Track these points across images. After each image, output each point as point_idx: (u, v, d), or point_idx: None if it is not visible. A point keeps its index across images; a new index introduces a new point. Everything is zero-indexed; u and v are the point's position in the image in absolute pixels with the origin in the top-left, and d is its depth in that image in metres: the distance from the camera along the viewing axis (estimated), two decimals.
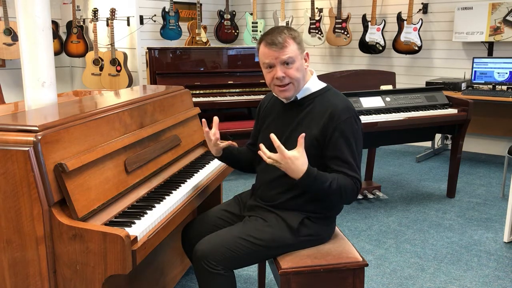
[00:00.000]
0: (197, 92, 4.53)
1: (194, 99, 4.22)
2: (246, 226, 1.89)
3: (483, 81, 4.73)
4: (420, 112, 3.64)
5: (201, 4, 6.02)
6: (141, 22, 5.86)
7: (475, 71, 4.75)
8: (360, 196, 3.79)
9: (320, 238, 1.93)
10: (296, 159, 1.69)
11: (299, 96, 1.89)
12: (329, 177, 1.75)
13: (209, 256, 1.77)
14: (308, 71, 1.93)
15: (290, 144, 1.84)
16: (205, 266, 1.77)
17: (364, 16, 5.52)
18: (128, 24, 5.89)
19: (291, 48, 1.80)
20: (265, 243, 1.83)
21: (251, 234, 1.83)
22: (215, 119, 1.99)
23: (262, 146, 1.76)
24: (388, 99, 3.68)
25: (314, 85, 1.91)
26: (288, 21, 6.06)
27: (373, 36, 5.52)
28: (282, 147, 1.70)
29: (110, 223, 1.65)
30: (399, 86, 4.47)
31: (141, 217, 1.71)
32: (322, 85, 1.93)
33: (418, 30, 5.26)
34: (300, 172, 1.70)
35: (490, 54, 5.02)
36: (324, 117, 1.81)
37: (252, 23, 6.28)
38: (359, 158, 1.84)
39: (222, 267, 1.77)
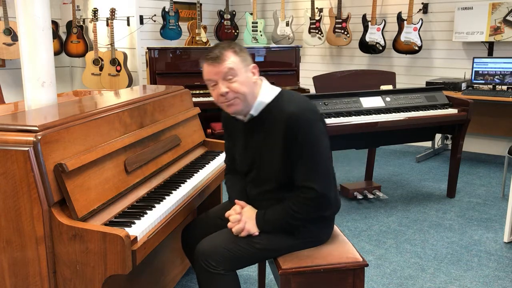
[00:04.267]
0: (197, 92, 4.53)
1: (194, 99, 4.22)
2: None
3: (483, 81, 4.73)
4: (420, 112, 3.64)
5: (201, 4, 6.02)
6: (141, 22, 5.86)
7: (475, 71, 4.75)
8: (360, 196, 3.79)
9: (320, 239, 1.92)
10: (245, 212, 1.84)
11: (254, 112, 1.80)
12: (280, 209, 1.78)
13: (209, 256, 1.77)
14: (258, 83, 1.82)
15: (262, 173, 1.85)
16: (205, 267, 1.77)
17: (364, 16, 5.52)
18: (128, 24, 5.89)
19: (231, 60, 1.71)
20: (264, 245, 1.83)
21: (256, 235, 1.83)
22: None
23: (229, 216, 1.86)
24: (388, 99, 3.68)
25: (266, 95, 1.80)
26: (288, 21, 6.06)
27: (373, 36, 5.52)
28: (230, 215, 1.84)
29: (110, 223, 1.65)
30: (399, 86, 4.47)
31: (141, 217, 1.71)
32: (275, 92, 1.82)
33: (418, 30, 5.26)
34: (254, 216, 1.82)
35: (490, 54, 5.02)
36: (282, 129, 1.73)
37: (252, 23, 6.28)
38: (324, 160, 1.75)
39: (222, 268, 1.77)
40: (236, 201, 1.91)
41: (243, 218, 1.83)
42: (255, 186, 1.90)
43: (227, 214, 1.87)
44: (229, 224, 1.84)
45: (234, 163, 2.02)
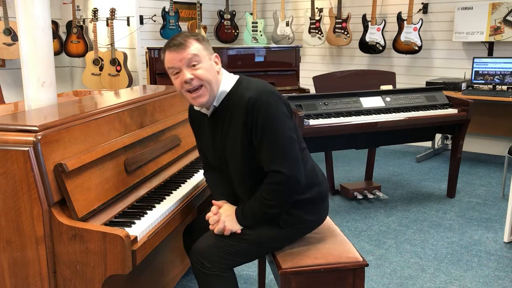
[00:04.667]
0: None
1: None
2: None
3: (483, 81, 4.73)
4: (420, 112, 3.64)
5: (201, 4, 6.02)
6: (141, 22, 5.86)
7: (475, 71, 4.75)
8: (360, 196, 3.79)
9: (308, 225, 1.89)
10: (223, 211, 1.81)
11: (216, 103, 1.77)
12: (255, 201, 1.76)
13: (203, 257, 1.77)
14: (220, 72, 1.80)
15: (230, 165, 1.82)
16: (200, 268, 1.77)
17: (364, 16, 5.52)
18: (128, 24, 5.89)
19: (194, 47, 1.69)
20: (253, 239, 1.81)
21: (239, 232, 1.82)
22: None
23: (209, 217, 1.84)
24: (388, 99, 3.68)
25: (227, 84, 1.78)
26: (288, 21, 6.06)
27: (373, 36, 5.52)
28: (210, 216, 1.82)
29: (110, 223, 1.65)
30: (399, 86, 4.47)
31: (141, 217, 1.71)
32: (234, 79, 1.80)
33: (418, 30, 5.26)
34: (233, 214, 1.80)
35: (490, 54, 5.02)
36: (241, 116, 1.70)
37: (252, 23, 6.28)
38: (288, 142, 1.70)
39: (217, 268, 1.76)
40: (213, 201, 1.89)
41: (221, 218, 1.80)
42: (233, 181, 1.88)
43: (206, 216, 1.85)
44: (210, 227, 1.82)
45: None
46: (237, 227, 1.79)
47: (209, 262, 1.76)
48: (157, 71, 4.58)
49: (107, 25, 5.81)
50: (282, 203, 1.76)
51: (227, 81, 1.79)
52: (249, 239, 1.80)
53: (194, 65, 1.70)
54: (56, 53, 5.71)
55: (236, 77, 1.82)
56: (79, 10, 6.18)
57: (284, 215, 1.82)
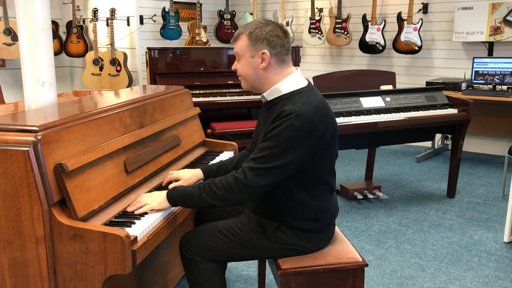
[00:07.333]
0: (197, 92, 4.53)
1: (194, 99, 4.22)
2: (231, 221, 1.92)
3: (483, 81, 4.73)
4: (420, 112, 3.64)
5: (201, 4, 6.02)
6: (141, 22, 5.86)
7: (475, 71, 4.75)
8: (360, 196, 3.79)
9: (304, 250, 1.84)
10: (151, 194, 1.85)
11: (268, 97, 1.80)
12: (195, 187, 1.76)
13: (189, 242, 1.86)
14: (285, 70, 1.78)
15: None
16: (185, 253, 1.85)
17: (364, 16, 5.52)
18: (128, 24, 5.89)
19: (240, 43, 1.78)
20: (240, 240, 1.84)
21: (230, 229, 1.86)
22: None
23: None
24: (388, 99, 3.68)
25: (287, 86, 1.76)
26: (288, 21, 6.06)
27: (373, 36, 5.52)
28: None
29: (110, 223, 1.65)
30: (399, 86, 4.47)
31: (141, 217, 1.71)
32: (298, 86, 1.76)
33: (418, 30, 5.26)
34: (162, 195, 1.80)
35: (490, 54, 5.02)
36: (273, 117, 1.71)
37: None
38: (282, 161, 1.64)
39: (199, 256, 1.83)
40: (168, 177, 2.05)
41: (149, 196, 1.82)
42: None
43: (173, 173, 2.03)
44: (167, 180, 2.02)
45: None
46: (155, 205, 1.78)
47: (193, 247, 1.84)
48: (157, 71, 4.58)
49: (107, 25, 5.81)
50: (223, 201, 1.72)
51: (289, 83, 1.76)
52: (237, 240, 1.84)
53: (238, 59, 1.83)
54: (56, 53, 5.71)
55: (303, 84, 1.77)
56: (79, 10, 6.18)
57: (281, 234, 1.81)
